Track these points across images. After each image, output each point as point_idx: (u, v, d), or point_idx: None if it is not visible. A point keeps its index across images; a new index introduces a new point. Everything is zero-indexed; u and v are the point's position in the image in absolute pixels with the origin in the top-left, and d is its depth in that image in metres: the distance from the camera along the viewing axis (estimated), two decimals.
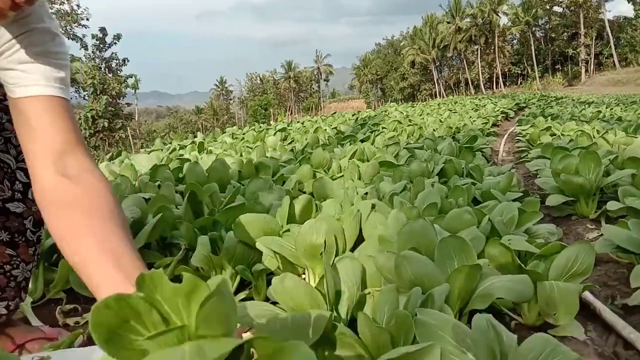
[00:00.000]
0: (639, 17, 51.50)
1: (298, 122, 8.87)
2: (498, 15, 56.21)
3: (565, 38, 55.63)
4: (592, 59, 50.92)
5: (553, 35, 58.36)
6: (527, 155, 4.81)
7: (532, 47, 56.30)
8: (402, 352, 0.91)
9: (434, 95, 61.81)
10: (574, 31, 53.40)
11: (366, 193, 2.28)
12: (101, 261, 0.85)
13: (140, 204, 2.14)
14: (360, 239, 1.81)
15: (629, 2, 51.80)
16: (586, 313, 1.49)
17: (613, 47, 47.38)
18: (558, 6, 52.64)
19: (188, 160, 3.75)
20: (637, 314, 1.46)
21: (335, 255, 1.66)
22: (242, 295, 1.76)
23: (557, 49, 58.05)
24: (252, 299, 1.73)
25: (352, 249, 1.77)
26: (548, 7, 52.97)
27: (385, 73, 71.44)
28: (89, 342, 1.43)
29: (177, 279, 1.83)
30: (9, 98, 1.03)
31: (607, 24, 47.80)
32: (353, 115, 9.33)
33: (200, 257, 1.75)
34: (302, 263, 1.67)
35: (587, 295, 1.54)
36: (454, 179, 2.62)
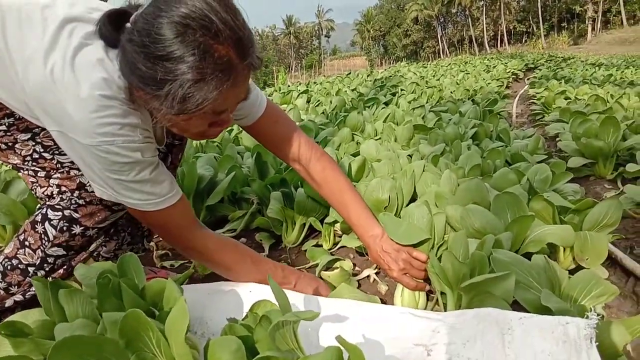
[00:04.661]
0: None
1: (315, 83, 9.01)
2: None
3: None
4: (600, 17, 49.97)
5: None
6: (542, 118, 5.03)
7: (539, 4, 55.14)
8: (484, 278, 1.19)
9: (437, 53, 60.95)
10: None
11: (410, 155, 2.53)
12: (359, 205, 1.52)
13: (212, 162, 2.39)
14: (413, 197, 2.07)
15: None
16: (607, 261, 1.76)
17: (622, 3, 46.37)
18: None
19: None
20: None
21: (396, 210, 1.92)
22: (312, 242, 2.04)
23: (564, 6, 56.89)
24: (320, 246, 2.01)
25: (407, 205, 2.03)
26: None
27: (388, 29, 70.18)
28: (202, 279, 1.72)
29: (248, 230, 2.12)
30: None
31: None
32: (368, 76, 9.50)
33: (276, 210, 2.02)
34: None
35: (609, 246, 1.81)
36: (485, 141, 2.87)
